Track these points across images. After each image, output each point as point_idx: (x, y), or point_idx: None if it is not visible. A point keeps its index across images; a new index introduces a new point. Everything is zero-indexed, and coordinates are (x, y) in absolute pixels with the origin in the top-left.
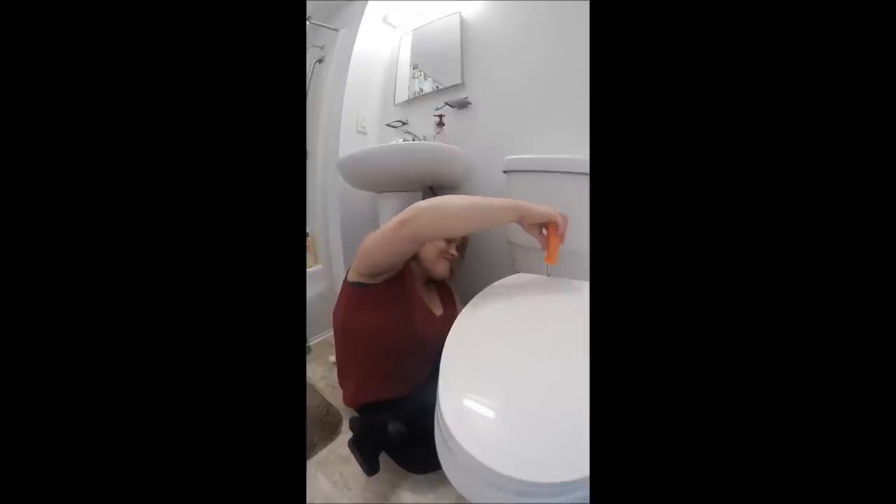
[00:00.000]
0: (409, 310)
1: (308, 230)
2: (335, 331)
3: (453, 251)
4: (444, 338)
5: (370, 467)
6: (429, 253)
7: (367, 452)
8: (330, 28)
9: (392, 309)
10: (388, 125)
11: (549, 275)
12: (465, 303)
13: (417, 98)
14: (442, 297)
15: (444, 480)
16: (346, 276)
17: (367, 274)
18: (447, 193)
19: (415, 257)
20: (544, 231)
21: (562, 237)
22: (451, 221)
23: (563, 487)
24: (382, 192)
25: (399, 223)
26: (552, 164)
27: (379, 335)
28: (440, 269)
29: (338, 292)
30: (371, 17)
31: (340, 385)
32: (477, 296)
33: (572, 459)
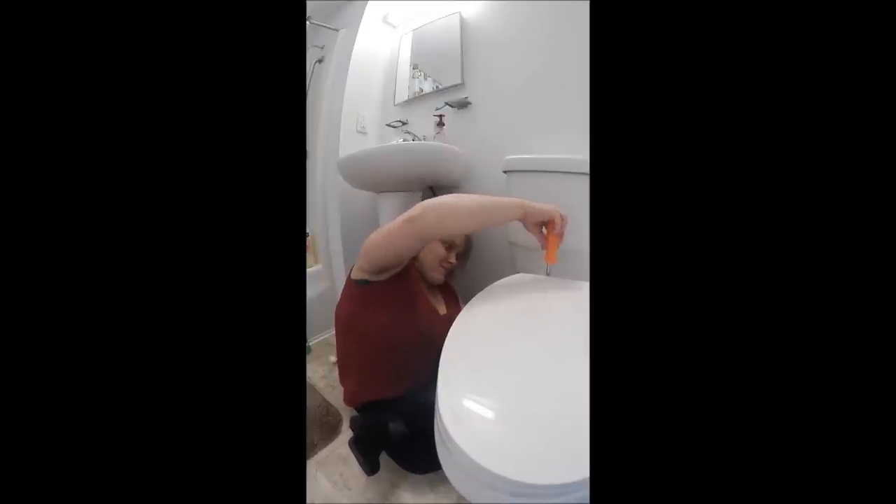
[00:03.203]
0: (415, 307)
1: (308, 230)
2: (337, 329)
3: (452, 259)
4: None
5: (370, 467)
6: (428, 259)
7: (367, 452)
8: (330, 28)
9: (397, 306)
10: (388, 125)
11: (548, 274)
12: (465, 302)
13: (417, 98)
14: (445, 296)
15: (444, 480)
16: (349, 275)
17: (371, 271)
18: (447, 193)
19: (414, 258)
20: (544, 230)
21: (561, 236)
22: (458, 219)
23: (564, 489)
24: (382, 192)
25: (406, 220)
26: (552, 164)
27: (383, 333)
28: (436, 275)
29: (338, 292)
30: (371, 17)
31: (341, 384)
32: (477, 296)
33: (572, 460)
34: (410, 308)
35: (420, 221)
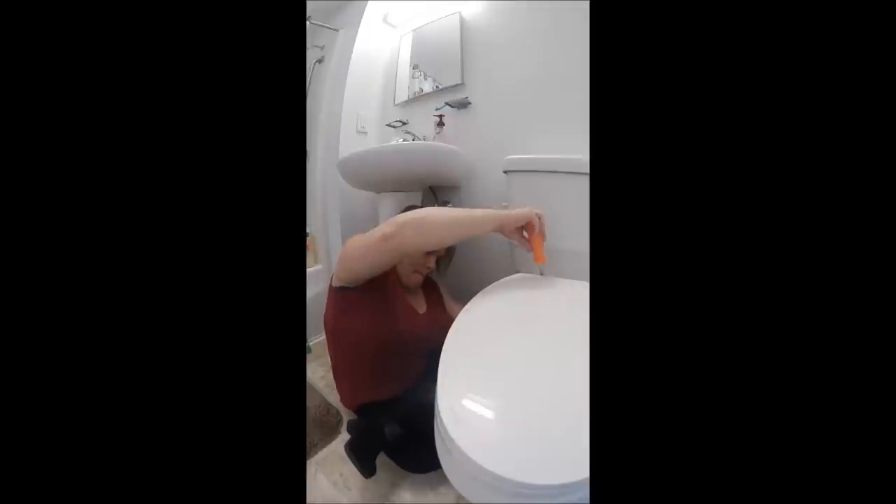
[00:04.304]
0: (391, 310)
1: (308, 230)
2: (326, 335)
3: (431, 264)
4: (431, 335)
5: (367, 470)
6: (405, 265)
7: (363, 455)
8: (330, 28)
9: (375, 309)
10: (388, 125)
11: (542, 274)
12: (463, 302)
13: (417, 98)
14: (427, 295)
15: (444, 480)
16: (330, 282)
17: (349, 280)
18: (447, 194)
19: None
20: (525, 234)
21: (543, 235)
22: (434, 234)
23: (564, 489)
24: (382, 192)
25: (382, 238)
26: (552, 164)
27: (364, 336)
28: (412, 280)
29: None
30: (371, 17)
31: (337, 388)
32: (477, 296)
33: (572, 460)
34: (387, 311)
35: (398, 238)
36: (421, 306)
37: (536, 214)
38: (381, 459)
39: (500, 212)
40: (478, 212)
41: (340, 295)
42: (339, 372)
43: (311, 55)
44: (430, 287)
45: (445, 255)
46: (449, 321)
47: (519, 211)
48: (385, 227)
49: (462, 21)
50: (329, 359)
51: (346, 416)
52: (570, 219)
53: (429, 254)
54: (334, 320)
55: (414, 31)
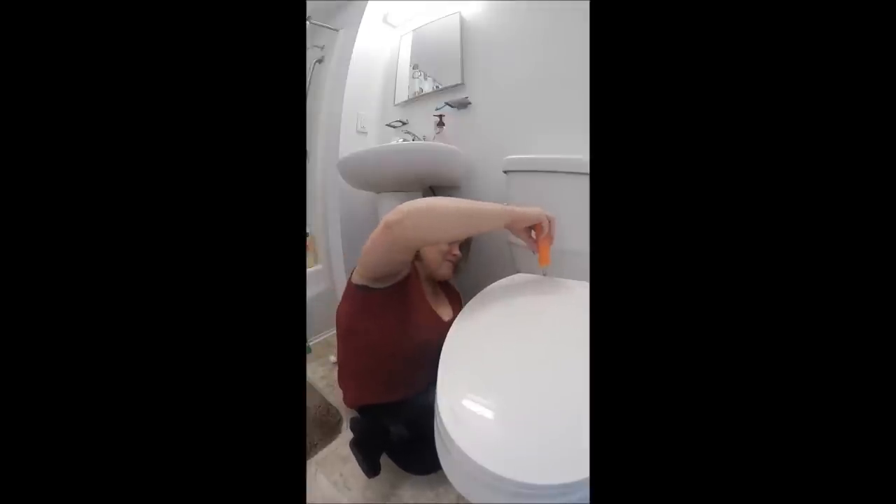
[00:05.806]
0: (415, 317)
1: (308, 230)
2: (338, 332)
3: (456, 251)
4: None
5: (371, 469)
6: (431, 255)
7: (368, 454)
8: (330, 28)
9: (396, 316)
10: (388, 125)
11: (545, 275)
12: (465, 303)
13: (417, 98)
14: (451, 300)
15: (444, 480)
16: (350, 277)
17: (369, 277)
18: (447, 194)
19: (418, 257)
20: (533, 234)
21: (551, 238)
22: (439, 227)
23: (564, 489)
24: (382, 192)
25: (385, 226)
26: (552, 164)
27: (382, 342)
28: (443, 270)
29: (338, 292)
30: (371, 17)
31: (341, 386)
32: (476, 296)
33: (572, 460)
34: (410, 317)
35: (399, 228)
36: (446, 313)
37: (547, 217)
38: (382, 460)
39: (510, 208)
40: (488, 206)
41: (359, 294)
42: (347, 371)
43: (311, 55)
44: (451, 291)
45: (465, 243)
46: None
47: (530, 210)
48: (390, 215)
49: (462, 21)
50: (330, 358)
51: (347, 415)
52: (570, 219)
53: (451, 241)
54: (349, 318)
55: (414, 31)
